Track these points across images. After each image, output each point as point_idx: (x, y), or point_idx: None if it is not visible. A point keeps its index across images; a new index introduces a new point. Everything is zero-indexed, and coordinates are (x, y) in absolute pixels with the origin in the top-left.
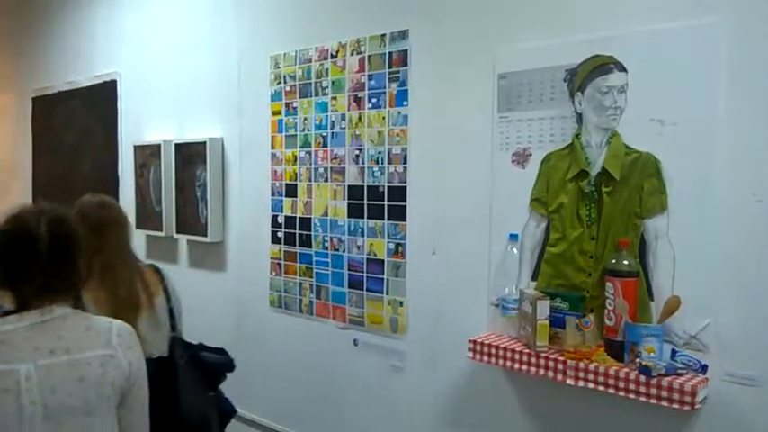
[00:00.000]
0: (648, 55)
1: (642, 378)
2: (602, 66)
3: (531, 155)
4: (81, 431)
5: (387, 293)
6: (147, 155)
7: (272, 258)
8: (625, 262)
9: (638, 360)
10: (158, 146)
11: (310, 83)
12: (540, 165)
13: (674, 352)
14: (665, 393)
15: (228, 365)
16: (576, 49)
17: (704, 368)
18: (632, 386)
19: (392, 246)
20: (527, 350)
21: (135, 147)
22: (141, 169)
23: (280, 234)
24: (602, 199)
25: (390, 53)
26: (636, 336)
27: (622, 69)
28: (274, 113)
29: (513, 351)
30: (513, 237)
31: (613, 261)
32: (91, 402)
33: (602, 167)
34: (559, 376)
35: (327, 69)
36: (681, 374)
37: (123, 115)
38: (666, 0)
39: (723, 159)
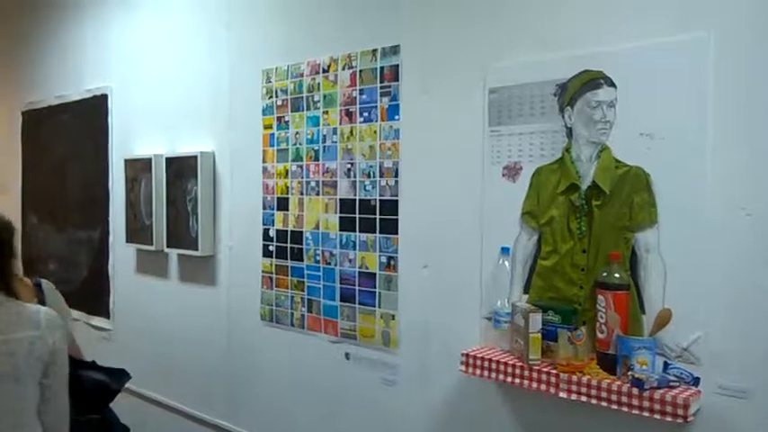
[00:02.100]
0: (637, 70)
1: (635, 391)
2: (591, 81)
3: (521, 168)
4: (10, 394)
5: (379, 307)
6: (138, 169)
7: (263, 272)
8: (616, 275)
9: (630, 373)
10: (149, 160)
11: (302, 97)
12: (530, 178)
13: (666, 365)
14: (657, 406)
15: (106, 390)
16: (566, 65)
17: (696, 381)
18: (625, 399)
19: (384, 259)
20: (519, 363)
21: (125, 160)
22: (132, 183)
23: (271, 248)
24: (593, 212)
25: (382, 68)
26: (628, 348)
27: (612, 84)
28: (266, 127)
29: (505, 364)
30: (505, 250)
31: (604, 274)
32: (19, 371)
33: (593, 181)
34: (552, 389)
35: (319, 84)
36: (673, 387)
37: (113, 129)
38: (654, 16)
39: (712, 173)
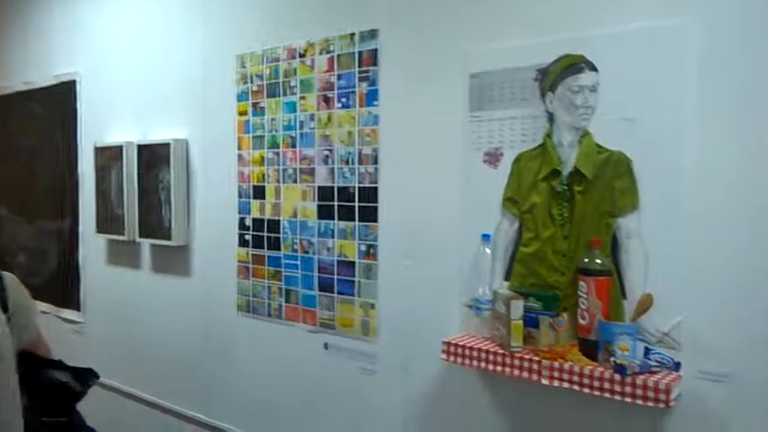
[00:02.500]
0: (619, 55)
1: (617, 377)
2: (573, 65)
3: (502, 154)
4: None
5: (358, 296)
6: (109, 157)
7: (239, 262)
8: (598, 261)
9: (612, 359)
10: (120, 147)
11: (278, 82)
12: (511, 164)
13: (647, 350)
14: (639, 391)
15: (70, 391)
16: (548, 49)
17: (677, 365)
18: (607, 385)
19: (363, 247)
20: (501, 351)
21: (96, 148)
22: (102, 171)
23: (247, 237)
24: (575, 198)
25: (360, 52)
26: (610, 334)
27: (593, 69)
28: (241, 114)
29: (487, 352)
30: (486, 237)
31: (586, 260)
32: None
33: (574, 166)
34: (534, 376)
35: (296, 69)
36: (654, 372)
37: (83, 116)
38: (637, 1)
39: (693, 158)
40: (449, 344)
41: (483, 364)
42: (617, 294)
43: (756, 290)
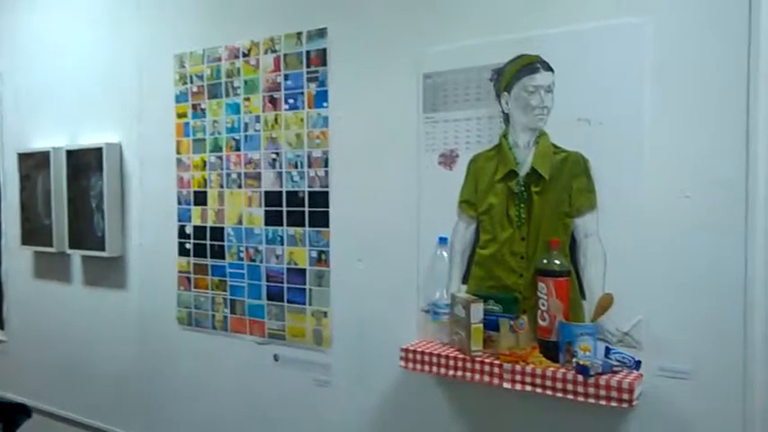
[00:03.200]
0: (574, 54)
1: (579, 378)
2: (528, 65)
3: (458, 156)
4: None
5: (309, 304)
6: (34, 163)
7: (179, 272)
8: (556, 261)
9: (574, 360)
10: (47, 153)
11: (220, 83)
12: (467, 166)
13: (607, 350)
14: (603, 392)
15: None
16: (502, 49)
17: (638, 364)
18: (570, 386)
19: (314, 254)
20: (461, 355)
21: (19, 155)
22: (26, 179)
23: (188, 245)
24: (532, 199)
25: (308, 52)
26: (570, 335)
27: (549, 69)
28: (179, 116)
29: (446, 357)
30: (443, 240)
31: (545, 261)
32: None
33: (531, 167)
34: (495, 380)
35: (239, 68)
36: (616, 372)
37: (4, 120)
38: (591, 1)
39: (650, 157)
40: (407, 350)
41: (443, 370)
42: (576, 295)
43: (714, 287)
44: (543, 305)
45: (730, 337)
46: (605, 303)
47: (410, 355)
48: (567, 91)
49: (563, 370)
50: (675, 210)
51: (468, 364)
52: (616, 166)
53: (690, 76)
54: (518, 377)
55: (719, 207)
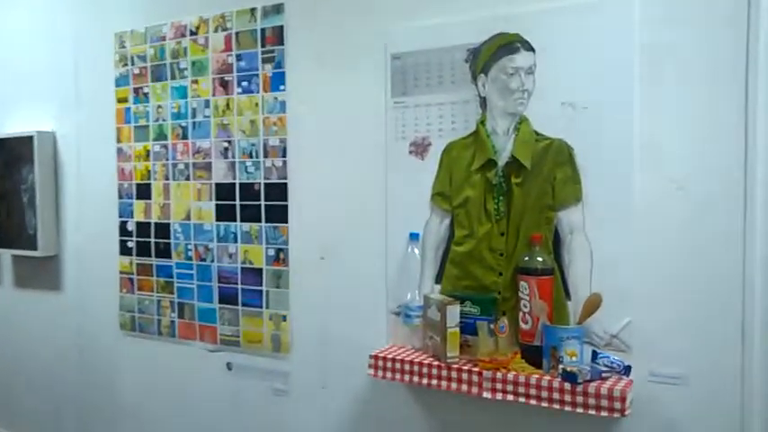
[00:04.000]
0: (558, 33)
1: (567, 386)
2: (507, 45)
3: (430, 144)
4: None
5: (266, 307)
6: None
7: (121, 273)
8: (539, 258)
9: (560, 366)
10: None
11: (164, 64)
12: (441, 155)
13: (594, 354)
14: (592, 401)
15: None
16: (479, 27)
17: (628, 369)
18: (556, 395)
19: (272, 252)
20: (436, 362)
21: None
22: None
23: (130, 244)
24: (512, 191)
25: (263, 30)
26: (555, 339)
27: (530, 49)
28: (120, 101)
29: (420, 364)
30: (414, 236)
31: (526, 258)
32: None
33: (512, 156)
34: (474, 389)
35: (186, 48)
36: (605, 378)
37: None
38: None
39: (640, 145)
40: (376, 357)
41: (416, 379)
42: (560, 295)
43: (709, 286)
44: (525, 306)
45: (726, 340)
46: (593, 304)
47: (380, 362)
48: (550, 73)
49: (548, 377)
50: (668, 202)
51: (444, 372)
52: (603, 154)
53: (683, 55)
54: (498, 385)
55: (715, 200)
